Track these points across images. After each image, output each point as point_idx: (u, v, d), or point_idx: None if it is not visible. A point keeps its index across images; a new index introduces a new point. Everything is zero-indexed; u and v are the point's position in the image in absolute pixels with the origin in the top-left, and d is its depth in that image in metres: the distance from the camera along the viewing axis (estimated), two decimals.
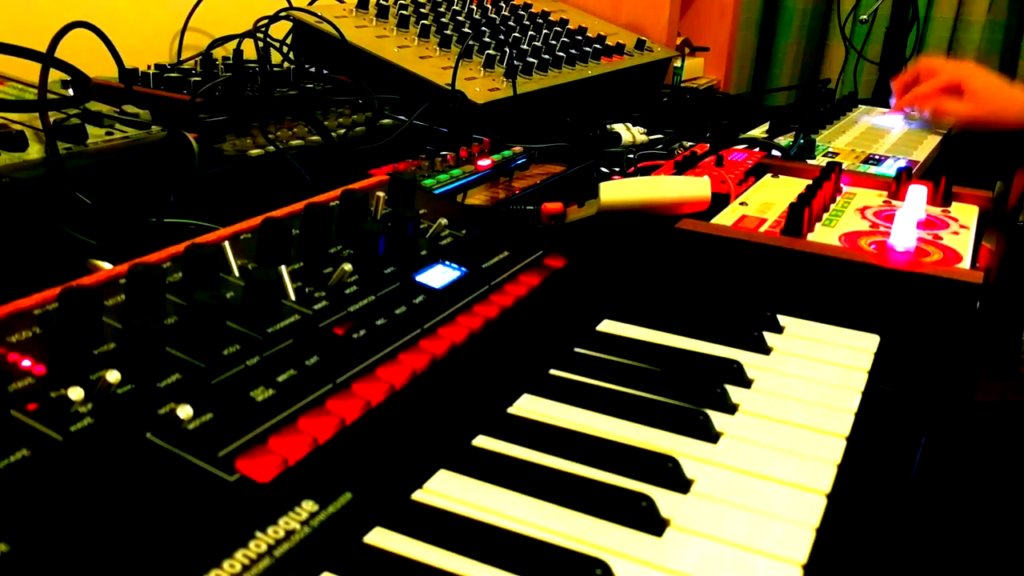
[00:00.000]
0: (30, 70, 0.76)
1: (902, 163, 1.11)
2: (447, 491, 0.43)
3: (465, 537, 0.40)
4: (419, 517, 0.41)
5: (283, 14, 1.20)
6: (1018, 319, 0.80)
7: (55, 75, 0.76)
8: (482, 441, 0.48)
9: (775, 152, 1.11)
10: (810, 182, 0.89)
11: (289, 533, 0.38)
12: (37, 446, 0.38)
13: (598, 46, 1.52)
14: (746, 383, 0.56)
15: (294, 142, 0.95)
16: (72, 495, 0.36)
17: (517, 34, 1.42)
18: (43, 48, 0.73)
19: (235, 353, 0.47)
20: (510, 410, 0.51)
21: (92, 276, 0.50)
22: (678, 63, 1.88)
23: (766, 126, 1.27)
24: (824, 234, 0.80)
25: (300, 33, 1.26)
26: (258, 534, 0.37)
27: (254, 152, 0.90)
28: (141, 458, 0.39)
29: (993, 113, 1.23)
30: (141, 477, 0.38)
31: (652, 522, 0.42)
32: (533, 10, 1.58)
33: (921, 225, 0.82)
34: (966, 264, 0.74)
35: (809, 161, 1.10)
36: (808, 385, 0.56)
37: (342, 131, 1.01)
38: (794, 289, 0.72)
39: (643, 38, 1.67)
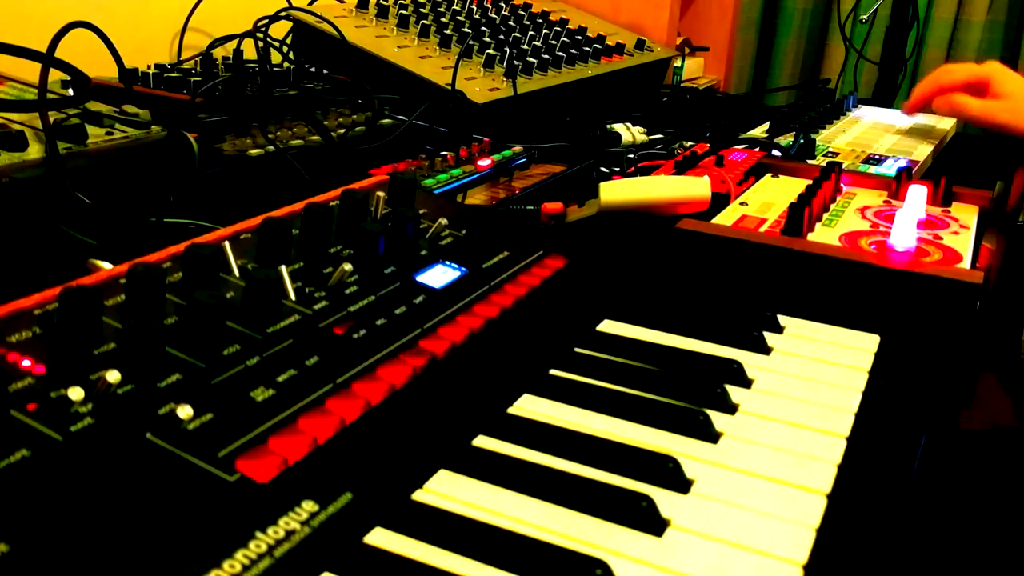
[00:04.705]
0: (30, 70, 0.76)
1: (902, 163, 1.11)
2: (447, 491, 0.43)
3: (465, 537, 0.40)
4: (419, 517, 0.41)
5: (283, 14, 1.20)
6: (1018, 319, 0.80)
7: (55, 75, 0.76)
8: (482, 441, 0.48)
9: (775, 152, 1.11)
10: (810, 182, 0.89)
11: (289, 533, 0.38)
12: (37, 446, 0.38)
13: (598, 46, 1.52)
14: (746, 383, 0.56)
15: (294, 142, 0.95)
16: (72, 495, 0.36)
17: (517, 34, 1.42)
18: (43, 48, 0.72)
19: (235, 353, 0.47)
20: (510, 410, 0.51)
21: (92, 276, 0.50)
22: (678, 63, 1.88)
23: (766, 126, 1.27)
24: (824, 234, 0.80)
25: (300, 33, 1.26)
26: (258, 534, 0.37)
27: (254, 152, 0.90)
28: (141, 458, 0.39)
29: (1014, 117, 1.17)
30: (141, 477, 0.38)
31: (652, 522, 0.42)
32: (533, 10, 1.58)
33: (921, 225, 0.82)
34: (966, 264, 0.74)
35: (809, 161, 1.10)
36: (808, 385, 0.56)
37: (342, 131, 1.01)
38: (794, 289, 0.71)
39: (643, 38, 1.67)
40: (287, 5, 1.31)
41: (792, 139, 1.15)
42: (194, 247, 0.53)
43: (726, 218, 0.82)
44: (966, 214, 0.89)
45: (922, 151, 1.20)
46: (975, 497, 0.59)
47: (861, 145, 1.22)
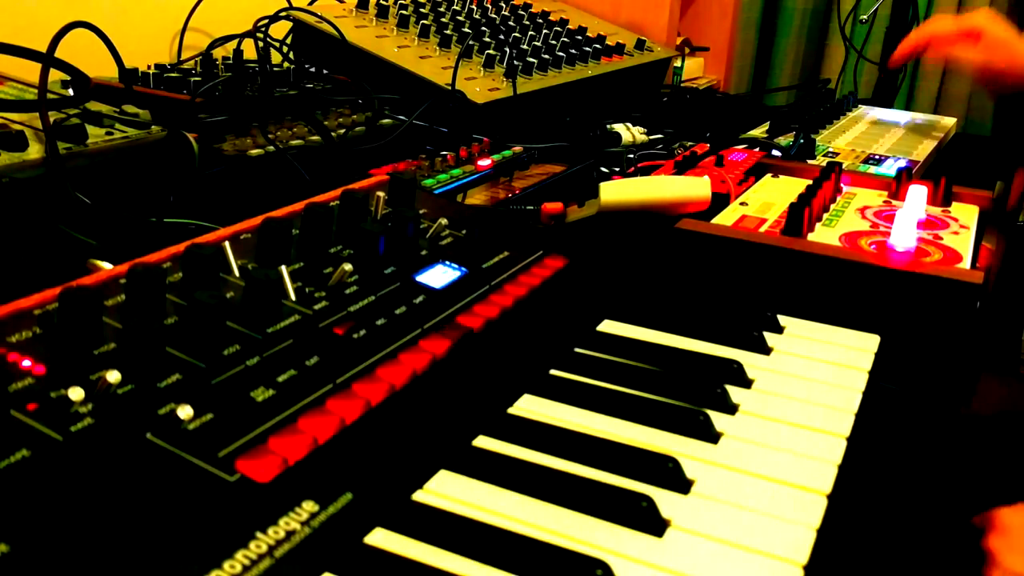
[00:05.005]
0: (30, 70, 0.76)
1: (902, 163, 1.11)
2: (447, 491, 0.43)
3: (465, 538, 0.40)
4: (420, 518, 0.41)
5: (283, 14, 1.20)
6: (1018, 319, 0.80)
7: (55, 75, 0.76)
8: (482, 441, 0.48)
9: (775, 152, 1.11)
10: (810, 182, 0.89)
11: (289, 534, 0.38)
12: (37, 446, 0.38)
13: (598, 46, 1.52)
14: (746, 383, 0.56)
15: (294, 142, 0.95)
16: (72, 495, 0.36)
17: (517, 34, 1.42)
18: (43, 48, 0.72)
19: (235, 353, 0.47)
20: (510, 410, 0.51)
21: (92, 276, 0.50)
22: (678, 63, 1.88)
23: (766, 126, 1.27)
24: (824, 234, 0.80)
25: (300, 33, 1.26)
26: (258, 535, 0.37)
27: (254, 152, 0.90)
28: (141, 458, 0.39)
29: (1008, 63, 1.17)
30: (141, 477, 0.38)
31: (652, 522, 0.42)
32: (533, 10, 1.58)
33: (921, 225, 0.82)
34: (966, 264, 0.74)
35: (809, 161, 1.10)
36: (808, 385, 0.56)
37: (342, 131, 1.01)
38: (794, 289, 0.71)
39: (643, 38, 1.67)
40: (287, 5, 1.31)
41: (792, 139, 1.15)
42: (194, 247, 0.53)
43: (726, 218, 0.82)
44: (966, 214, 0.89)
45: (922, 151, 1.20)
46: (975, 494, 0.59)
47: (861, 145, 1.22)
